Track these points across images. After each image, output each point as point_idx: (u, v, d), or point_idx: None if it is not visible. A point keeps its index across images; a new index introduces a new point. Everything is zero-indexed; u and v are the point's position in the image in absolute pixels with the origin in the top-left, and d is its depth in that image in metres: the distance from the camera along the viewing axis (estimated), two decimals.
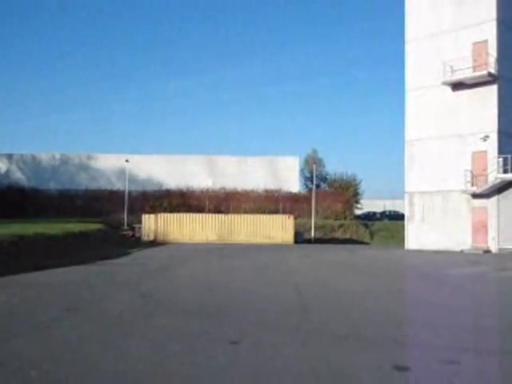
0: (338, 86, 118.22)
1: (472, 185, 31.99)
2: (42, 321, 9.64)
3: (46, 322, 9.49)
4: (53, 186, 54.23)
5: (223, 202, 50.10)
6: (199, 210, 46.59)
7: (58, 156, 59.15)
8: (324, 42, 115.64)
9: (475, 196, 31.79)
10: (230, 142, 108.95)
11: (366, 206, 60.04)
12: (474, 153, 32.02)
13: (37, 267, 18.30)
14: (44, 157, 58.89)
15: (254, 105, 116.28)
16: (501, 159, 30.80)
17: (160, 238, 40.10)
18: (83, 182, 55.25)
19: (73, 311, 10.61)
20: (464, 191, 32.05)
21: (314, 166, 50.46)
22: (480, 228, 31.69)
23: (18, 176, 56.75)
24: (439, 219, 33.53)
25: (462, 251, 30.86)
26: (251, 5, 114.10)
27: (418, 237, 34.29)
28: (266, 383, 6.19)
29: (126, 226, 41.69)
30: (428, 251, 31.50)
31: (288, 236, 40.23)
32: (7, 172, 57.38)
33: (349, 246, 37.29)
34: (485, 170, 31.54)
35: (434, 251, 31.27)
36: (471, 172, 32.05)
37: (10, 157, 58.35)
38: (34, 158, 58.83)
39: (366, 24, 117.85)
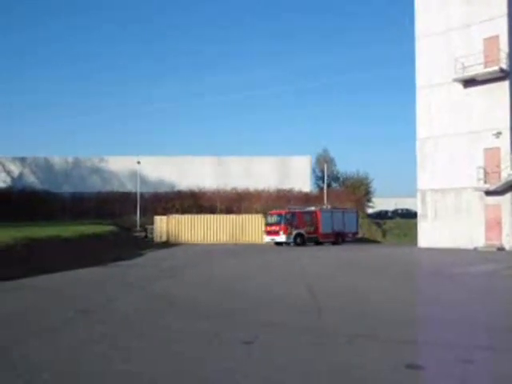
0: (348, 84, 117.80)
1: (485, 182, 31.72)
2: (55, 322, 9.71)
3: (58, 324, 9.56)
4: (65, 188, 54.63)
5: (235, 203, 50.11)
6: (211, 210, 46.69)
7: (70, 159, 59.60)
8: (334, 41, 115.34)
9: (488, 193, 31.52)
10: (241, 143, 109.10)
11: (378, 204, 59.75)
12: (486, 149, 31.76)
13: (50, 269, 18.45)
14: (57, 160, 59.35)
15: (264, 105, 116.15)
16: None
17: (172, 239, 40.26)
18: (95, 185, 55.64)
19: (86, 313, 10.67)
20: (477, 188, 31.79)
21: (326, 166, 50.38)
22: (493, 225, 31.42)
23: (31, 179, 57.23)
24: (452, 217, 33.29)
25: (475, 249, 30.63)
26: (263, 4, 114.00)
27: (431, 235, 34.07)
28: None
29: (138, 228, 41.90)
30: (441, 249, 31.29)
31: None
32: (20, 175, 57.89)
33: (361, 245, 37.17)
34: (498, 166, 31.27)
35: (447, 249, 31.06)
36: (484, 169, 31.78)
37: (23, 160, 58.87)
38: (46, 161, 59.30)
39: (376, 22, 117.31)
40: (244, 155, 59.90)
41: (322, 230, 37.39)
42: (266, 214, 38.57)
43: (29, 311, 11.12)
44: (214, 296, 13.17)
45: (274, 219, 36.47)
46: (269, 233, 36.41)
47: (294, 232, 35.77)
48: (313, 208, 39.00)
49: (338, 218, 38.45)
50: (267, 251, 30.95)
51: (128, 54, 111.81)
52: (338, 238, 38.25)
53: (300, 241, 35.94)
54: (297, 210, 37.73)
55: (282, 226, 35.50)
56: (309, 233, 36.63)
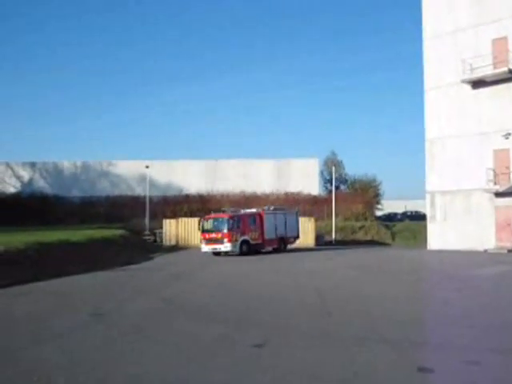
0: (356, 86, 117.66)
1: (494, 183, 31.55)
2: (68, 327, 9.76)
3: (71, 328, 9.61)
4: (75, 193, 54.87)
5: (243, 206, 50.10)
6: None
7: (79, 163, 59.89)
8: (340, 43, 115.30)
9: (498, 194, 31.35)
10: (254, 146, 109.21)
11: (387, 206, 59.57)
12: (495, 151, 31.59)
13: (61, 274, 18.55)
14: (66, 165, 59.64)
15: (274, 107, 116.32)
16: None
17: (181, 242, 40.28)
18: (104, 189, 55.87)
19: (97, 317, 10.73)
20: (486, 190, 31.63)
21: (334, 168, 50.26)
22: (504, 227, 31.22)
23: (41, 184, 57.53)
24: (461, 219, 33.12)
25: (485, 251, 30.43)
26: (267, 4, 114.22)
27: (441, 237, 33.90)
28: None
29: (147, 232, 41.98)
30: (451, 251, 31.11)
31: (309, 238, 40.02)
32: (30, 180, 58.22)
33: (371, 248, 36.97)
34: (507, 168, 31.10)
35: (457, 251, 30.89)
36: (493, 170, 31.61)
37: (33, 165, 59.21)
38: (56, 165, 59.59)
39: (384, 24, 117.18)
40: (249, 158, 59.85)
41: (266, 235, 31.86)
42: (201, 219, 32.22)
43: (41, 315, 11.18)
44: (223, 300, 13.19)
45: (213, 225, 30.36)
46: (209, 241, 30.04)
47: (240, 239, 30.02)
48: (254, 210, 33.61)
49: (280, 221, 33.25)
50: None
51: (135, 58, 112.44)
52: (281, 245, 33.20)
53: (246, 249, 30.16)
54: (239, 213, 32.05)
55: (226, 232, 29.38)
56: (254, 239, 30.98)
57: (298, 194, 52.20)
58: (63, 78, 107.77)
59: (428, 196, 35.31)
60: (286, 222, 33.62)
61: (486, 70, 31.77)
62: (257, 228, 31.37)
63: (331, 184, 52.67)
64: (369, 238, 44.22)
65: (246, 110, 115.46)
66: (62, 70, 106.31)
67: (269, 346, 7.99)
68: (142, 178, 48.85)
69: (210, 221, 30.80)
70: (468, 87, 32.94)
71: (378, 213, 56.84)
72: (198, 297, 13.86)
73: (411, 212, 58.43)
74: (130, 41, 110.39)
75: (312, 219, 41.08)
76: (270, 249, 32.48)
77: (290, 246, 34.27)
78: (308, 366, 6.91)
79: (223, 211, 32.38)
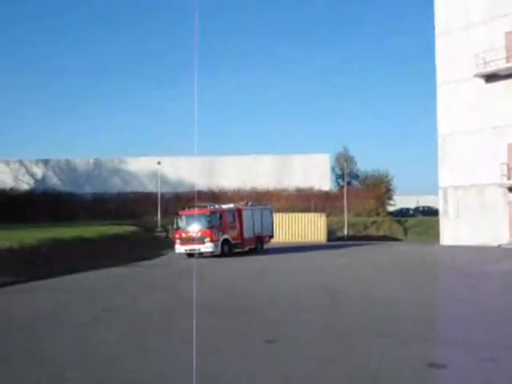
0: (367, 81, 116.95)
1: (508, 178, 31.23)
2: (80, 322, 9.85)
3: (83, 323, 9.70)
4: (87, 190, 55.32)
5: (255, 202, 50.10)
6: None
7: (91, 161, 60.32)
8: (352, 38, 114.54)
9: None
10: (265, 142, 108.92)
11: (399, 202, 59.26)
12: (509, 145, 31.26)
13: (73, 270, 18.72)
14: (78, 162, 60.15)
15: (285, 103, 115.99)
16: None
17: None
18: (116, 186, 56.24)
19: (109, 312, 10.82)
20: (500, 185, 31.32)
21: (345, 164, 50.09)
22: None
23: (54, 181, 58.10)
24: (475, 214, 32.82)
25: (499, 246, 30.17)
26: (269, 3, 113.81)
27: (453, 232, 33.63)
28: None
29: (159, 228, 42.19)
30: (464, 247, 30.88)
31: (321, 234, 39.98)
32: (44, 177, 58.77)
33: (383, 243, 36.77)
34: None
35: (470, 246, 30.64)
36: (507, 165, 31.29)
37: (46, 162, 59.78)
38: (69, 163, 60.14)
39: (394, 17, 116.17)
40: (260, 154, 59.86)
41: (245, 233, 28.51)
42: (176, 216, 27.99)
43: (55, 311, 11.30)
44: (234, 296, 13.23)
45: (190, 222, 26.49)
46: (185, 241, 26.17)
47: (221, 238, 26.49)
48: (232, 205, 29.72)
49: (257, 218, 29.94)
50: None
51: (144, 54, 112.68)
52: (258, 244, 29.79)
53: (227, 249, 26.70)
54: (220, 209, 28.20)
55: (207, 230, 25.77)
56: (234, 238, 27.50)
57: (310, 189, 52.18)
58: (76, 76, 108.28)
59: (441, 191, 35.03)
60: (261, 219, 30.40)
61: (500, 64, 31.41)
62: (236, 226, 28.06)
63: (343, 179, 52.51)
64: (381, 233, 44.01)
65: (255, 107, 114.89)
66: (74, 68, 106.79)
67: (280, 341, 8.00)
68: (154, 175, 49.12)
69: (186, 217, 26.96)
70: (481, 81, 32.59)
71: (390, 208, 56.57)
72: (209, 292, 13.89)
73: (423, 207, 58.10)
74: (139, 37, 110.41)
75: (323, 215, 41.00)
76: (246, 249, 28.79)
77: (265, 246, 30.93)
78: (319, 362, 6.91)
79: (200, 206, 28.86)
